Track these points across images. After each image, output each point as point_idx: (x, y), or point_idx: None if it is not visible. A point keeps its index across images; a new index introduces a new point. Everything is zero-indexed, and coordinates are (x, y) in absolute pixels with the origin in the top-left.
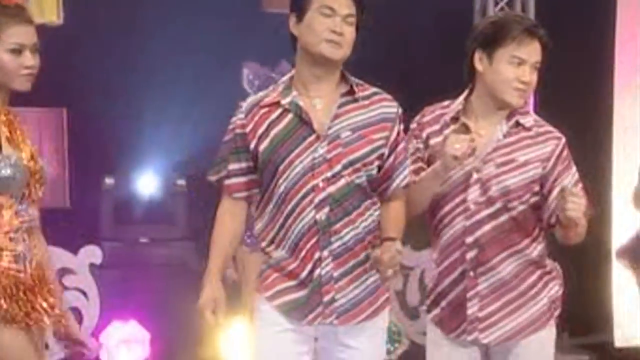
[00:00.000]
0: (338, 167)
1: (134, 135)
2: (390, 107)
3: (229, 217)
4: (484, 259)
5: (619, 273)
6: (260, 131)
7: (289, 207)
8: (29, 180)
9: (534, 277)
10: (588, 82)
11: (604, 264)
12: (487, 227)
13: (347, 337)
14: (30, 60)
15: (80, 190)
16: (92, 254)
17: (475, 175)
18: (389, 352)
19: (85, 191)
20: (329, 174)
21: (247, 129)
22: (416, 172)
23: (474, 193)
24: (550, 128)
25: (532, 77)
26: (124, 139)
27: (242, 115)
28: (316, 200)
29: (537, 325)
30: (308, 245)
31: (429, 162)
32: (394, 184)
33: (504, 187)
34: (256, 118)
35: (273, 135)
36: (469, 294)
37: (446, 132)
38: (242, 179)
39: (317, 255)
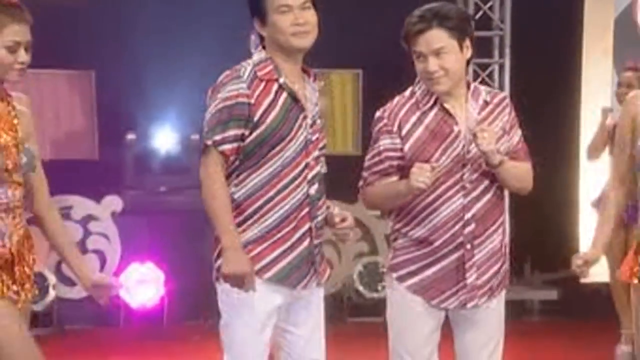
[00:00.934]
0: (317, 150)
1: (154, 95)
2: None
3: (225, 186)
4: (480, 231)
5: (586, 214)
6: (265, 104)
7: (284, 181)
8: (6, 165)
9: (499, 240)
10: (557, 47)
11: (572, 206)
12: (482, 202)
13: (308, 293)
14: (23, 56)
15: (106, 144)
16: (113, 202)
17: (467, 155)
18: (377, 290)
19: (110, 145)
20: (316, 154)
21: (252, 100)
22: (387, 172)
23: (469, 171)
24: (500, 94)
25: (441, 63)
26: (145, 98)
27: (244, 85)
28: (309, 176)
29: (503, 284)
30: (299, 217)
31: (411, 159)
32: None
33: None
34: (258, 91)
35: (278, 111)
36: (467, 265)
37: (426, 121)
38: (236, 145)
39: (307, 225)
